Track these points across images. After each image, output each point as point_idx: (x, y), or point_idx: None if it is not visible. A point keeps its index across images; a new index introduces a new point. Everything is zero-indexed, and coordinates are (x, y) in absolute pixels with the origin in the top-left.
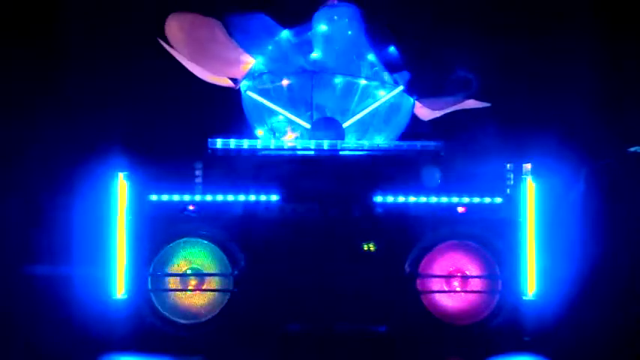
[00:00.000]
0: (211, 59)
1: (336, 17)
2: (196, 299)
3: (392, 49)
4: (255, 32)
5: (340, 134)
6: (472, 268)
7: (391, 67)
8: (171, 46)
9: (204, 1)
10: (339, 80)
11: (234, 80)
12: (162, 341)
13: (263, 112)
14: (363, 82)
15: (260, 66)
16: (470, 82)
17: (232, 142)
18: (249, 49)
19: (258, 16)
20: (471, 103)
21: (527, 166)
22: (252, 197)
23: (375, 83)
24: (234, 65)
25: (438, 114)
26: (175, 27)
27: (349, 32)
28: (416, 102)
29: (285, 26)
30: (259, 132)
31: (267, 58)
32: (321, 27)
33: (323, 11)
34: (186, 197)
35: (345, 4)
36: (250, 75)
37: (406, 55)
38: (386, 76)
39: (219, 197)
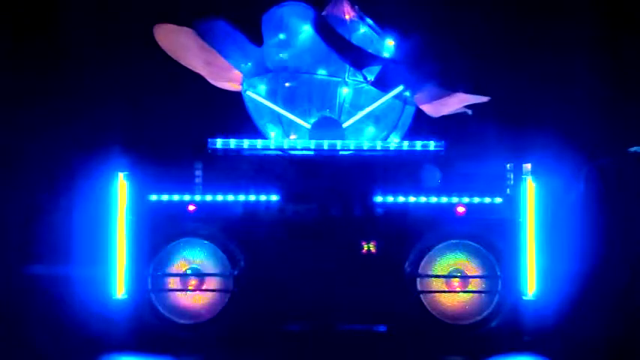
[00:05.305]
0: (207, 66)
1: (288, 17)
2: (196, 299)
3: (356, 44)
4: (223, 38)
5: (340, 134)
6: (472, 268)
7: (357, 63)
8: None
9: (204, 2)
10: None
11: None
12: (162, 341)
13: (265, 112)
14: (321, 75)
15: (250, 68)
16: (459, 75)
17: (232, 142)
18: (226, 56)
19: (218, 22)
20: (464, 98)
21: (527, 166)
22: (252, 197)
23: (337, 80)
24: (228, 70)
25: (446, 111)
26: (163, 38)
27: (305, 31)
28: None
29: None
30: (265, 132)
31: (253, 62)
32: (276, 27)
33: (273, 12)
34: (186, 197)
35: (297, 3)
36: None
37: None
38: (351, 71)
39: (219, 197)
